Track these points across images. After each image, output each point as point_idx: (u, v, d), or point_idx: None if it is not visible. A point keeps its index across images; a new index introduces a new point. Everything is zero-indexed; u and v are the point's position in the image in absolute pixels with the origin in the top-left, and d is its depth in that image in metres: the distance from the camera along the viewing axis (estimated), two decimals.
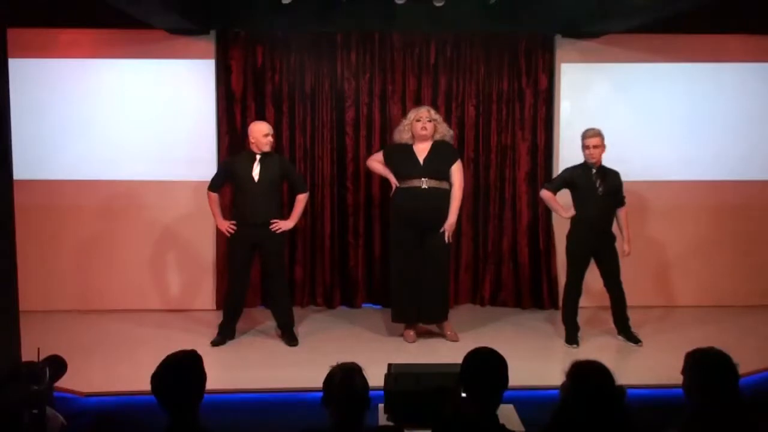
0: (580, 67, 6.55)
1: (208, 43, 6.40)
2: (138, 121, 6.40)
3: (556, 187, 5.62)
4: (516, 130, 6.57)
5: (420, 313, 5.68)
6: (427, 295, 5.61)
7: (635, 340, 5.60)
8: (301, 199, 5.64)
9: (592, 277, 5.65)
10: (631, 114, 6.55)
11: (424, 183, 5.46)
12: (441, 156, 5.56)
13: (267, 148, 5.47)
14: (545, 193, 5.64)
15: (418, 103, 6.30)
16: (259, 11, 6.13)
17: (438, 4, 5.61)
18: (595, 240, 5.49)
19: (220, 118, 6.45)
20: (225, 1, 6.08)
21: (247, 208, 5.46)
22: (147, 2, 5.05)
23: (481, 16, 6.11)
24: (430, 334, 5.76)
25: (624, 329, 5.64)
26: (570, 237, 5.61)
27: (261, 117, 6.28)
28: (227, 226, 5.52)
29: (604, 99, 6.58)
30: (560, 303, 5.95)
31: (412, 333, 5.69)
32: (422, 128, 5.53)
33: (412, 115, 5.61)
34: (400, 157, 5.58)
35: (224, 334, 5.62)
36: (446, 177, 5.55)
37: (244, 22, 6.24)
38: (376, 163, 5.72)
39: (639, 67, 6.55)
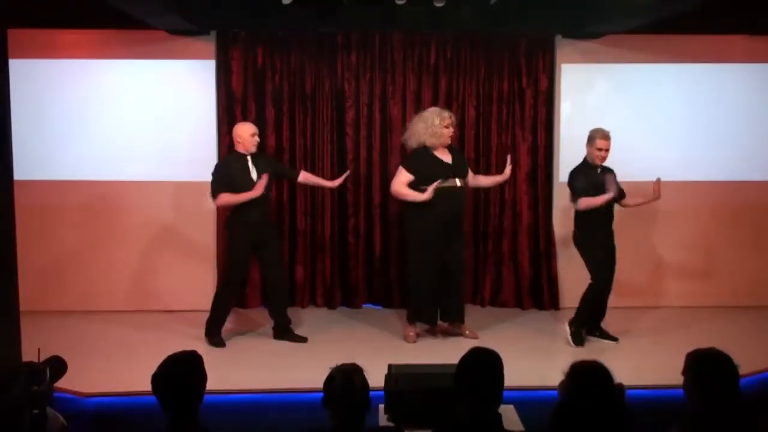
0: (581, 68, 6.55)
1: (209, 44, 6.40)
2: (138, 122, 6.40)
3: (587, 191, 5.41)
4: (516, 130, 6.57)
5: (442, 314, 5.73)
6: (451, 296, 5.68)
7: (608, 336, 5.65)
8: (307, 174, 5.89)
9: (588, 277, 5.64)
10: (632, 114, 6.54)
11: (458, 182, 5.54)
12: (461, 160, 5.72)
13: (254, 149, 5.51)
14: (586, 201, 5.37)
15: (418, 103, 6.33)
16: (259, 11, 6.12)
17: (438, 5, 5.60)
18: (606, 235, 5.51)
19: (221, 119, 6.44)
20: (225, 2, 6.07)
21: (248, 208, 5.46)
22: (147, 2, 5.05)
23: (482, 17, 6.11)
24: (431, 334, 5.77)
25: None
26: (587, 236, 5.53)
27: (261, 117, 6.29)
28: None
29: (605, 99, 6.57)
30: (578, 303, 5.62)
31: (412, 333, 5.69)
32: (450, 136, 5.57)
33: (437, 120, 5.48)
34: (428, 163, 5.50)
35: (217, 334, 5.59)
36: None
37: (244, 22, 6.24)
38: (405, 188, 5.50)
39: (639, 68, 6.54)
